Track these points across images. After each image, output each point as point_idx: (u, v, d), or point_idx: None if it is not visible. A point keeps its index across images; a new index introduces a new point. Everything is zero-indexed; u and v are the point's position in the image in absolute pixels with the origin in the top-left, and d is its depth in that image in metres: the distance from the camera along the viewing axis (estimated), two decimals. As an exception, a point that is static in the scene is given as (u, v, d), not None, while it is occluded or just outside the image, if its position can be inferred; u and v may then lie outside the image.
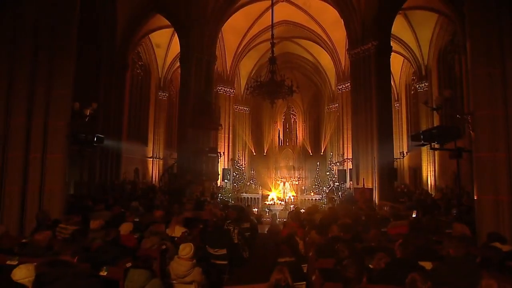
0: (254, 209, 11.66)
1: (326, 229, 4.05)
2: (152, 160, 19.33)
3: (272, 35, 9.43)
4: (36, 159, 4.99)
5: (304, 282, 3.33)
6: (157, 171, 19.66)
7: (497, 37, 3.81)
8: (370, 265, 2.80)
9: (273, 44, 9.25)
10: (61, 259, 2.53)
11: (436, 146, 5.71)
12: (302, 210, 8.50)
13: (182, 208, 6.47)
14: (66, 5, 5.44)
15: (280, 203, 11.81)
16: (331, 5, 13.13)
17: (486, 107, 3.94)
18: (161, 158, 19.83)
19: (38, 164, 4.99)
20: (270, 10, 16.54)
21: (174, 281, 3.45)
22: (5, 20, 4.79)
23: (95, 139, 5.91)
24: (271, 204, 11.30)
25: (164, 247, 3.75)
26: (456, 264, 2.44)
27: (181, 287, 3.43)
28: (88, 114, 5.76)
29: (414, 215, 5.85)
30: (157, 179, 19.37)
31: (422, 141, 5.25)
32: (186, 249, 3.40)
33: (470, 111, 4.09)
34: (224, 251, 5.02)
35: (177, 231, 4.70)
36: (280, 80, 8.44)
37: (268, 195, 14.03)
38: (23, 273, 2.49)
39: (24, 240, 4.23)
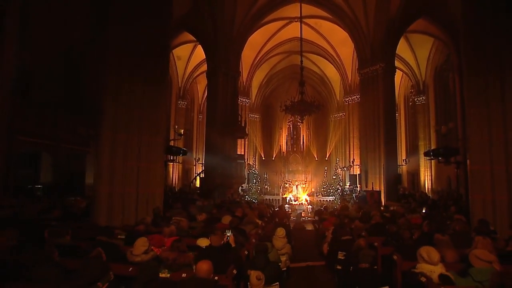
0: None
1: (367, 219, 5.82)
2: (172, 164, 20.86)
3: (301, 61, 11.13)
4: (143, 168, 6.59)
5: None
6: (176, 174, 21.21)
7: (485, 88, 5.68)
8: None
9: (302, 68, 10.96)
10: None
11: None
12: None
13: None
14: (160, 39, 7.08)
15: (304, 203, 13.49)
16: (344, 29, 14.92)
17: (477, 134, 5.78)
18: (180, 162, 21.36)
19: (144, 171, 6.59)
20: (284, 28, 18.57)
21: (273, 253, 5.12)
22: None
23: (181, 151, 7.50)
24: (297, 204, 12.97)
25: (260, 231, 5.41)
26: (461, 235, 4.20)
27: (277, 257, 5.10)
28: (182, 133, 7.34)
29: (424, 211, 7.72)
30: (176, 182, 20.94)
31: (432, 157, 7.12)
32: (282, 231, 5.10)
33: (466, 137, 5.91)
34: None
35: (255, 222, 6.39)
36: (310, 101, 10.22)
37: (286, 197, 15.73)
38: (205, 241, 4.14)
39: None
